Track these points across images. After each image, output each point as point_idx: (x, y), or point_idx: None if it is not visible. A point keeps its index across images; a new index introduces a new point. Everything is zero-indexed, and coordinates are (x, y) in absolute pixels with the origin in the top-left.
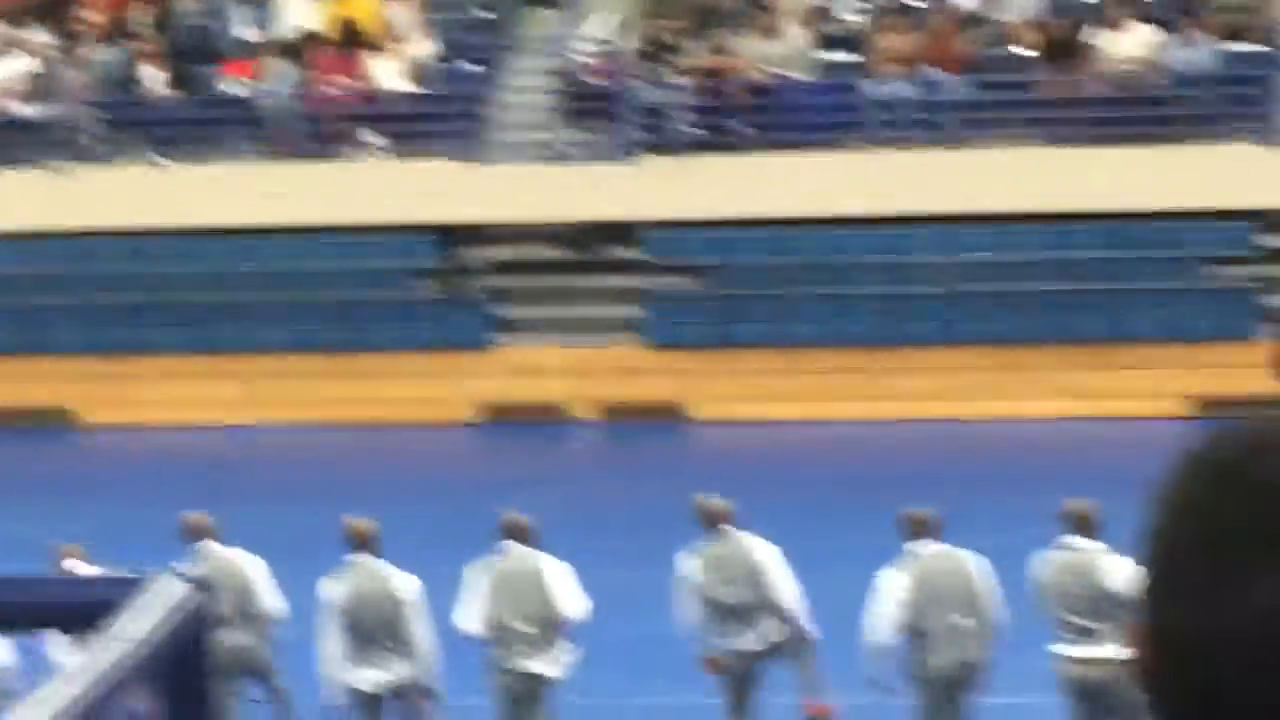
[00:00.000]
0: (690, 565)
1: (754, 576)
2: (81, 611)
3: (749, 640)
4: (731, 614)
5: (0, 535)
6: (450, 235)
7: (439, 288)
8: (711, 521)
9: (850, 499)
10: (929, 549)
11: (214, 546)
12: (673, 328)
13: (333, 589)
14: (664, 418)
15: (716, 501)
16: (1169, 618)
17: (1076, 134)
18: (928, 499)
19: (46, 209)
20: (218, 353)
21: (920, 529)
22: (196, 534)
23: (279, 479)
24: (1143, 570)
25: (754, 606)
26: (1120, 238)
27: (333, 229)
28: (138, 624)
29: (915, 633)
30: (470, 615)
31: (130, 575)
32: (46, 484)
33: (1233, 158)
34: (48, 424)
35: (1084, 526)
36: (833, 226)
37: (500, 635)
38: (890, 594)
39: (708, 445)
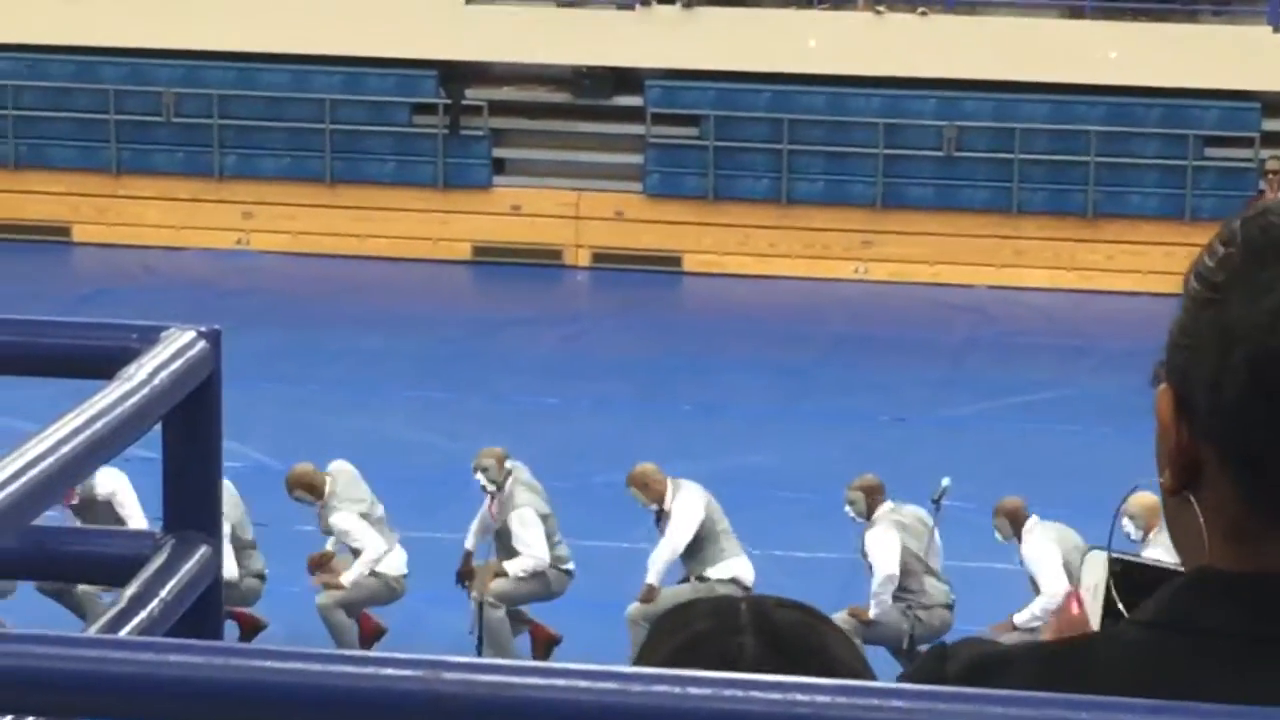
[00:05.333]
0: None
1: None
2: (99, 358)
3: None
4: None
5: None
6: (453, 73)
7: (440, 125)
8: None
9: (839, 358)
10: None
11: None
12: (671, 178)
13: None
14: (658, 266)
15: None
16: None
17: (1087, 6)
18: (915, 363)
19: (51, 24)
20: (216, 177)
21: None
22: None
23: (272, 305)
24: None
25: None
26: (1124, 113)
27: (335, 59)
28: (146, 368)
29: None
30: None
31: (145, 325)
32: (38, 299)
33: (1243, 39)
34: (43, 239)
35: None
36: (836, 84)
37: None
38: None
39: (700, 296)
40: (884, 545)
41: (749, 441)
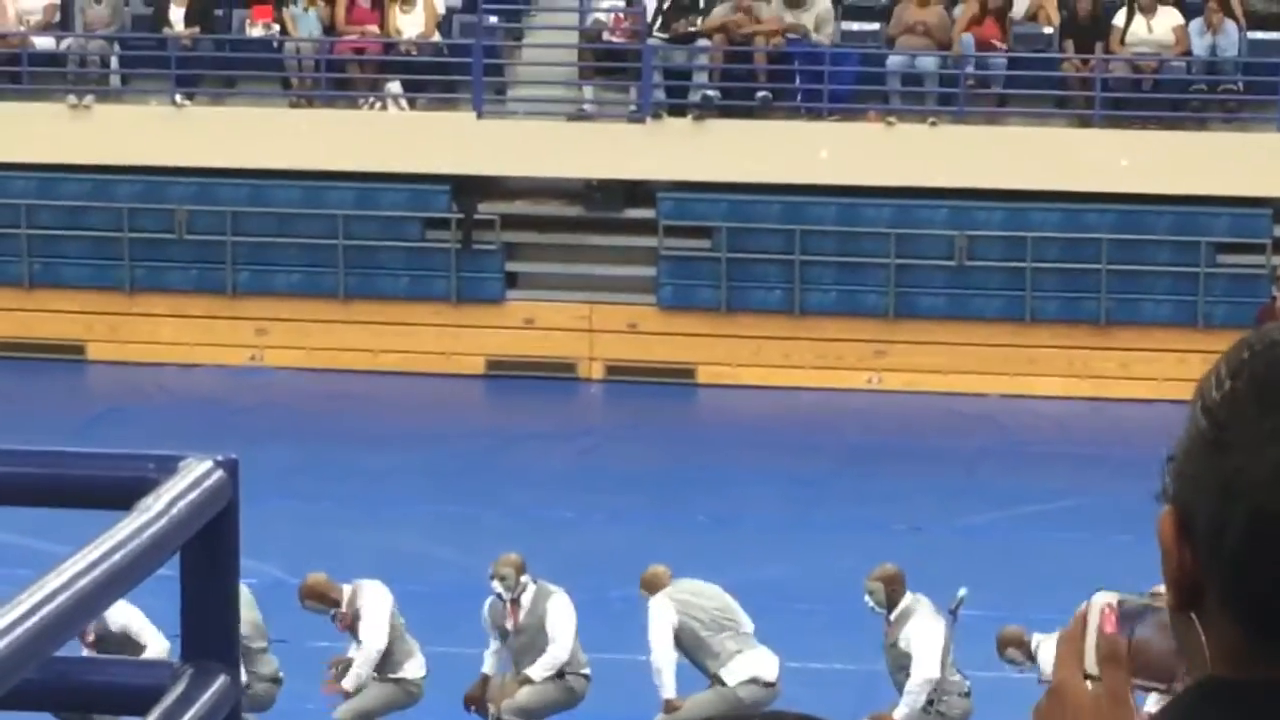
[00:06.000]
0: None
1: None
2: (117, 488)
3: None
4: None
5: None
6: (465, 187)
7: (453, 239)
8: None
9: (853, 469)
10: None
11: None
12: (684, 290)
13: None
14: (672, 379)
15: None
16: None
17: (1096, 115)
18: (930, 472)
19: (64, 143)
20: (229, 294)
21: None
22: None
23: (286, 422)
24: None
25: None
26: (1135, 221)
27: (348, 174)
28: (164, 499)
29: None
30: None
31: (163, 455)
32: (54, 418)
33: (1252, 146)
34: (58, 358)
35: None
36: (847, 195)
37: None
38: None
39: (714, 408)
40: (930, 639)
41: (764, 552)
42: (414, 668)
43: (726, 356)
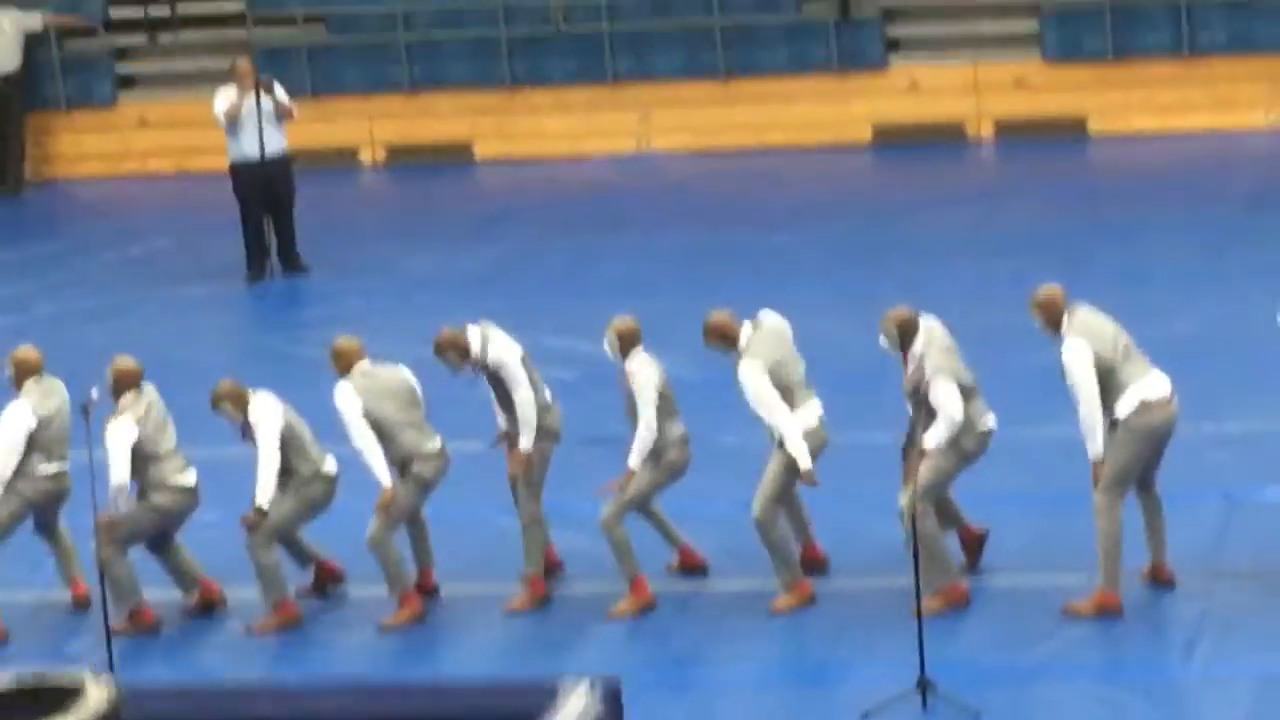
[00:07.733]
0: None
1: None
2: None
3: None
4: None
5: (412, 268)
6: None
7: (830, 11)
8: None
9: (1257, 213)
10: None
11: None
12: (1071, 40)
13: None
14: (1063, 133)
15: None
16: None
17: None
18: None
19: None
20: (611, 82)
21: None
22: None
23: (674, 206)
24: None
25: None
26: None
27: None
28: None
29: None
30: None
31: (541, 684)
32: (448, 219)
33: None
34: (446, 160)
35: None
36: None
37: None
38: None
39: (1109, 159)
40: None
41: (1176, 306)
42: (809, 419)
43: (1117, 105)
